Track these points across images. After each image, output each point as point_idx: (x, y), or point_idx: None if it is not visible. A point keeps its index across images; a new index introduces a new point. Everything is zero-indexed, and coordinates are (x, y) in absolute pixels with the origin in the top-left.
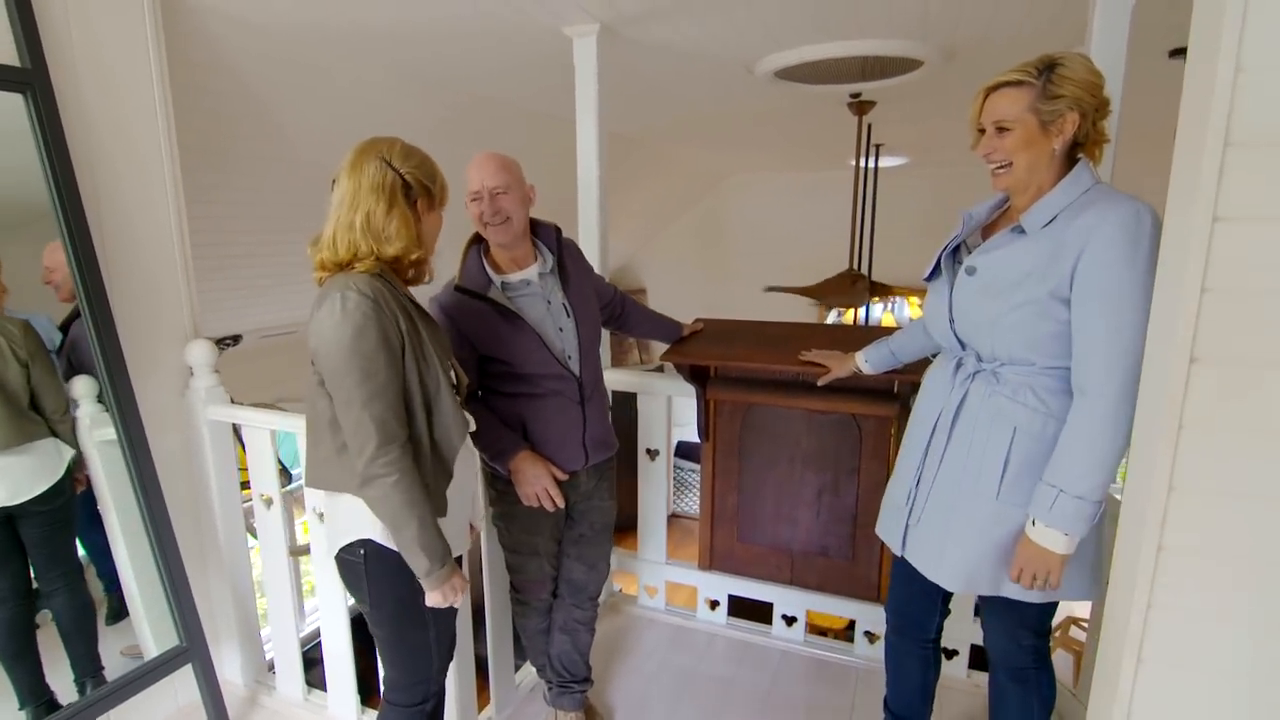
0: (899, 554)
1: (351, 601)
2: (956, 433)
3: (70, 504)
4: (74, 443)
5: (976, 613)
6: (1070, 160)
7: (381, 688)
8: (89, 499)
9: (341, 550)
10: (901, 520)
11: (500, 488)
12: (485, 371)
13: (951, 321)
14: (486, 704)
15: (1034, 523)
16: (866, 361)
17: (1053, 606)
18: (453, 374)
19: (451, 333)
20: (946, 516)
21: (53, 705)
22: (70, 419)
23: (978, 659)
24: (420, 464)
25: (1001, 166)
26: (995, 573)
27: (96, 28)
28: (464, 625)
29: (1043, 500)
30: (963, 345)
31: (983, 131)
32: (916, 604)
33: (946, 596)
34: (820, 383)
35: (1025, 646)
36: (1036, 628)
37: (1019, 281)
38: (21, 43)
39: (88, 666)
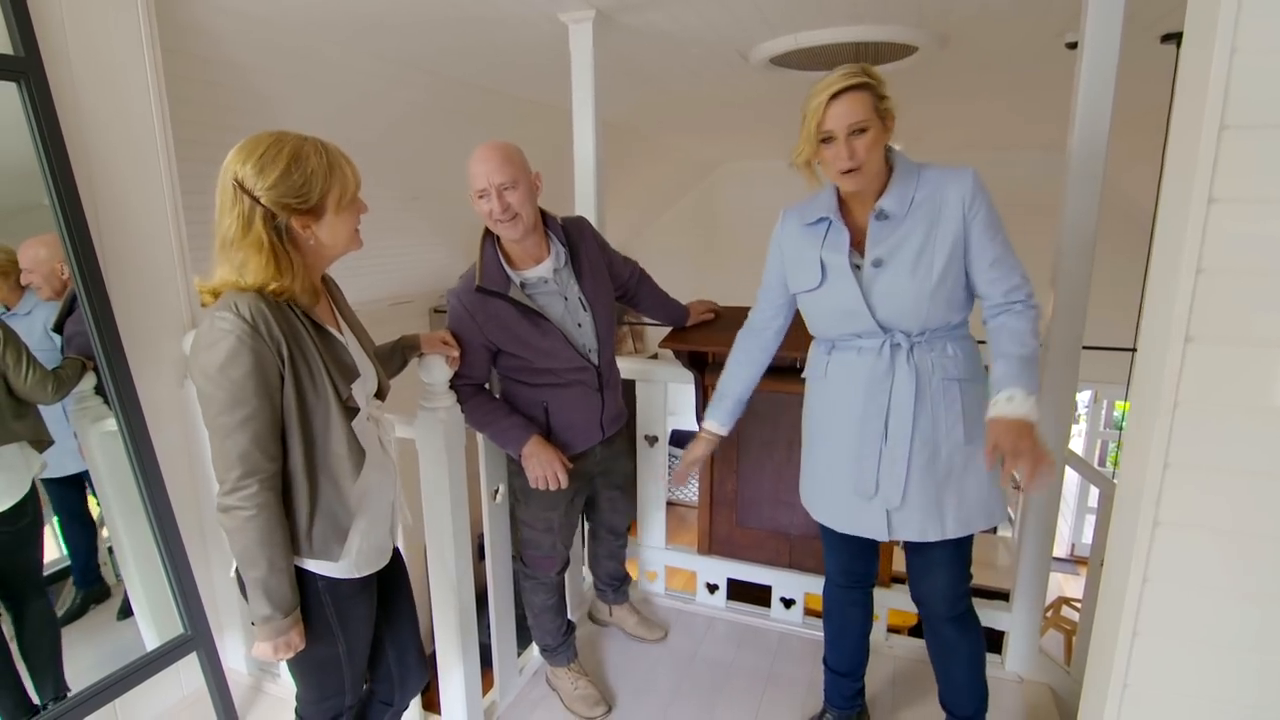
0: (885, 539)
1: None
2: (920, 407)
3: (34, 524)
4: (64, 430)
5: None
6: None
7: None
8: (75, 496)
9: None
10: (880, 509)
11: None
12: (504, 364)
13: (873, 313)
14: (490, 688)
15: (1010, 398)
16: (720, 425)
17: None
18: (354, 396)
19: (471, 329)
20: (935, 481)
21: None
22: (60, 398)
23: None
24: (293, 498)
25: (855, 168)
26: (985, 506)
27: (90, 16)
28: (467, 611)
29: (1019, 371)
30: (884, 330)
31: (825, 140)
32: (862, 558)
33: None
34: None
35: (966, 591)
36: (970, 562)
37: (926, 259)
38: (15, 31)
39: (50, 688)
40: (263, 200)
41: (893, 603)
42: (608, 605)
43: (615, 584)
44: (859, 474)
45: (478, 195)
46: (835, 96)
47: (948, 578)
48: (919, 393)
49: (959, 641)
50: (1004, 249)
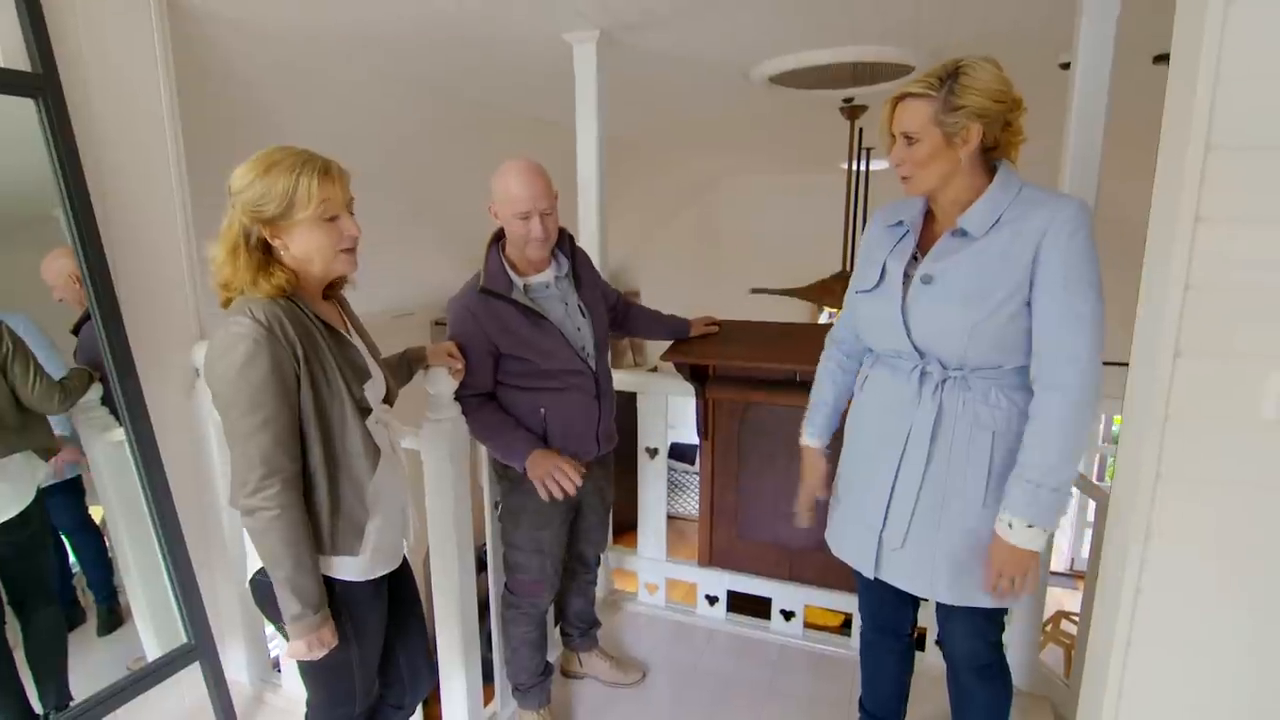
0: (870, 576)
1: None
2: (936, 447)
3: (40, 532)
4: (67, 438)
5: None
6: (986, 161)
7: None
8: (80, 503)
9: (256, 574)
10: (873, 542)
11: (514, 476)
12: (504, 369)
13: (909, 332)
14: (491, 700)
15: (1010, 525)
16: (817, 437)
17: None
18: (366, 397)
19: (474, 332)
20: (934, 533)
21: None
22: (67, 408)
23: None
24: (313, 497)
25: (905, 176)
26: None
27: (105, 34)
28: (470, 622)
29: (1021, 498)
30: (920, 354)
31: (895, 139)
32: (890, 608)
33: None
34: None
35: (992, 643)
36: (1001, 623)
37: (984, 288)
38: (33, 48)
39: (53, 697)
40: (235, 204)
41: None
42: (576, 654)
43: (584, 627)
44: (865, 500)
45: (519, 216)
46: (898, 101)
47: (965, 629)
48: (937, 433)
49: (976, 692)
50: (1067, 311)
